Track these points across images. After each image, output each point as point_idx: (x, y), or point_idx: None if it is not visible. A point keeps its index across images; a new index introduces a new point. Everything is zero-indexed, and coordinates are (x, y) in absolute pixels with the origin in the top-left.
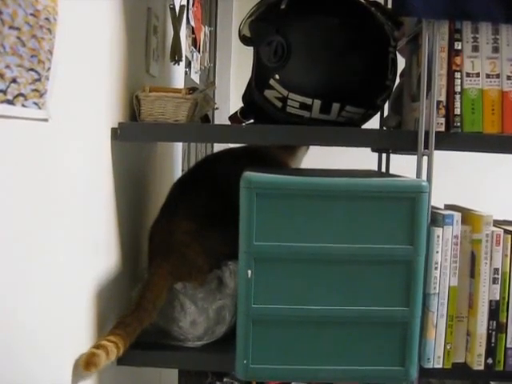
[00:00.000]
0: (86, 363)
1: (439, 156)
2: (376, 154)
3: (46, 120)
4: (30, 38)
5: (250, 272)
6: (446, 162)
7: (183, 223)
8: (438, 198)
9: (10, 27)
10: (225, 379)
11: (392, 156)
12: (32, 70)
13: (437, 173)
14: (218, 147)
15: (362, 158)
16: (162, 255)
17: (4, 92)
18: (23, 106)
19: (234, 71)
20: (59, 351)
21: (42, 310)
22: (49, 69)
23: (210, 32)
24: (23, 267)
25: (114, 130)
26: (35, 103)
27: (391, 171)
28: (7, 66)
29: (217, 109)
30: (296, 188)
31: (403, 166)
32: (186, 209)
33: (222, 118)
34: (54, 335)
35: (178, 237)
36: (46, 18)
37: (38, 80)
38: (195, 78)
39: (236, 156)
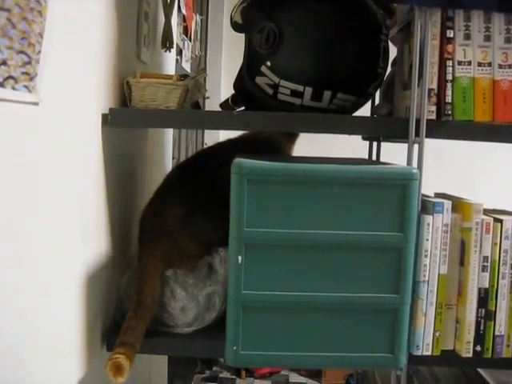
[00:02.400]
0: (115, 368)
1: (431, 145)
2: (367, 144)
3: (36, 104)
4: (20, 20)
5: (240, 258)
6: (437, 151)
7: (176, 208)
8: (429, 188)
9: (1, 9)
10: (214, 368)
11: (383, 145)
12: (22, 52)
13: (428, 162)
14: (209, 134)
15: (352, 148)
16: (153, 241)
17: None
18: (13, 88)
19: (225, 60)
20: (46, 338)
21: (29, 297)
22: (39, 52)
23: (201, 21)
24: (10, 252)
25: (104, 116)
26: (25, 86)
27: (382, 160)
28: None
29: (207, 98)
30: (287, 174)
31: (394, 155)
32: (180, 195)
33: (212, 106)
34: (42, 321)
35: (169, 222)
36: (37, 1)
37: (29, 63)
38: (186, 66)
39: (236, 145)
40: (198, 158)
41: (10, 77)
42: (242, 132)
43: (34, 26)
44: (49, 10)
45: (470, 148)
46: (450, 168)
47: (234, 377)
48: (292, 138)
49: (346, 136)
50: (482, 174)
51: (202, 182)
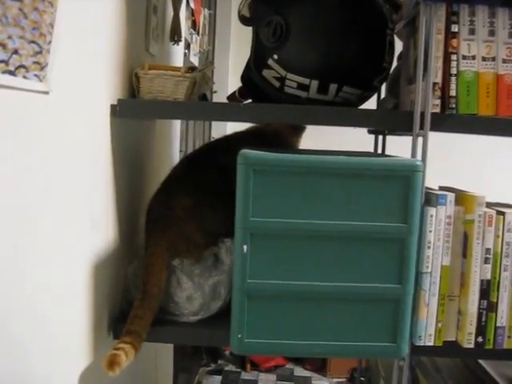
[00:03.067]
0: (109, 363)
1: (436, 140)
2: (372, 138)
3: (46, 93)
4: (31, 10)
5: (245, 247)
6: (442, 146)
7: (183, 199)
8: (434, 181)
9: None
10: (219, 361)
11: (388, 140)
12: (33, 42)
13: (433, 157)
14: (216, 127)
15: (358, 142)
16: (160, 231)
17: (6, 63)
18: (24, 77)
19: (233, 54)
20: (54, 326)
21: (37, 285)
22: (50, 42)
23: (209, 15)
24: (20, 240)
25: (113, 107)
26: (36, 75)
27: (387, 154)
28: (9, 37)
29: (215, 92)
30: (292, 165)
31: (399, 149)
32: (187, 186)
33: (219, 99)
34: (50, 309)
35: (176, 212)
36: None
37: (40, 53)
38: (194, 60)
39: (243, 138)
40: (206, 150)
41: (22, 66)
42: (249, 125)
43: (45, 16)
44: (60, 1)
45: (478, 143)
46: (457, 162)
47: (239, 370)
48: (299, 131)
49: (352, 130)
50: (491, 169)
51: (209, 174)
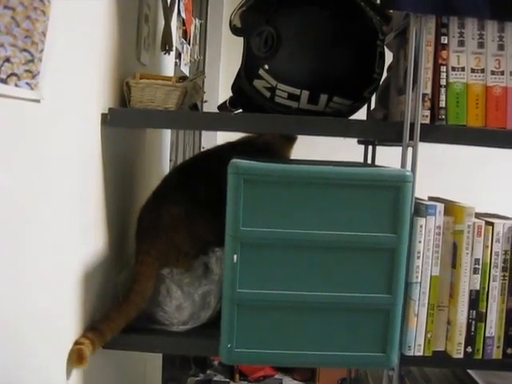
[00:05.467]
0: (78, 357)
1: (426, 151)
2: (362, 148)
3: (38, 101)
4: (24, 18)
5: (235, 257)
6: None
7: (173, 208)
8: (423, 192)
9: (5, 7)
10: (208, 371)
11: (378, 150)
12: (25, 50)
13: (423, 167)
14: (207, 137)
15: (348, 153)
16: (150, 239)
17: None
18: (16, 85)
19: (224, 64)
20: (43, 335)
21: (27, 294)
22: (42, 50)
23: (200, 25)
24: (9, 250)
25: (103, 116)
26: (28, 84)
27: (377, 164)
28: (1, 45)
29: (205, 101)
30: (282, 175)
31: (388, 159)
32: (178, 195)
33: (210, 109)
34: (39, 318)
35: (166, 221)
36: (40, 0)
37: (31, 61)
38: (185, 69)
39: (234, 148)
40: (197, 159)
41: (13, 74)
42: (239, 135)
43: (37, 24)
44: (52, 10)
45: (467, 154)
46: (446, 173)
47: (227, 380)
48: (290, 141)
49: (342, 140)
50: (480, 179)
51: (199, 183)
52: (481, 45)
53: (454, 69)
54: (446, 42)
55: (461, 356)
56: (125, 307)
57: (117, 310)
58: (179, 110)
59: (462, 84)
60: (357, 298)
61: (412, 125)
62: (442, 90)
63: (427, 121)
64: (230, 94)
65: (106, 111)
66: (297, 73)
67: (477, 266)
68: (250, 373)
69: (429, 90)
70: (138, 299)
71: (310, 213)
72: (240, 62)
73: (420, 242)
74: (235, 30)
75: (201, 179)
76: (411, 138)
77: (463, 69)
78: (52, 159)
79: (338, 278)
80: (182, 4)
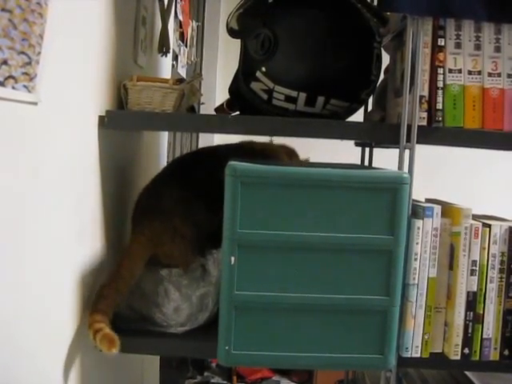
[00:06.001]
0: (109, 342)
1: (423, 153)
2: (359, 150)
3: (35, 104)
4: (21, 21)
5: (233, 259)
6: (429, 158)
7: (173, 192)
8: (420, 194)
9: (3, 9)
10: (205, 373)
11: (375, 152)
12: (23, 53)
13: (420, 169)
14: (203, 139)
15: (345, 154)
16: (147, 221)
17: None
18: (13, 88)
19: (221, 66)
20: (40, 336)
21: (25, 296)
22: (39, 53)
23: (197, 27)
24: (7, 249)
25: (101, 118)
26: (25, 86)
27: (374, 166)
28: None
29: (202, 103)
30: (280, 177)
31: (385, 161)
32: (179, 182)
33: (207, 111)
34: (36, 320)
35: (165, 202)
36: (38, 3)
37: (29, 64)
38: (182, 71)
39: (235, 149)
40: (198, 153)
41: (11, 76)
42: (236, 137)
43: (34, 27)
44: (49, 12)
45: (464, 156)
46: (444, 175)
47: (225, 382)
48: (291, 157)
49: (340, 143)
50: (477, 181)
51: (199, 174)
52: (478, 47)
53: (450, 71)
54: (442, 44)
55: (458, 357)
56: (114, 283)
57: (108, 287)
58: (176, 112)
59: (459, 86)
60: (354, 299)
61: (409, 127)
62: (439, 92)
63: (424, 123)
64: (228, 96)
65: (104, 113)
66: (294, 75)
67: (474, 267)
68: (248, 375)
69: (426, 92)
70: (127, 275)
71: (308, 215)
72: (237, 64)
73: (417, 243)
74: (232, 33)
75: (200, 171)
76: (408, 140)
77: (460, 71)
78: (49, 161)
79: (336, 279)
80: (178, 6)
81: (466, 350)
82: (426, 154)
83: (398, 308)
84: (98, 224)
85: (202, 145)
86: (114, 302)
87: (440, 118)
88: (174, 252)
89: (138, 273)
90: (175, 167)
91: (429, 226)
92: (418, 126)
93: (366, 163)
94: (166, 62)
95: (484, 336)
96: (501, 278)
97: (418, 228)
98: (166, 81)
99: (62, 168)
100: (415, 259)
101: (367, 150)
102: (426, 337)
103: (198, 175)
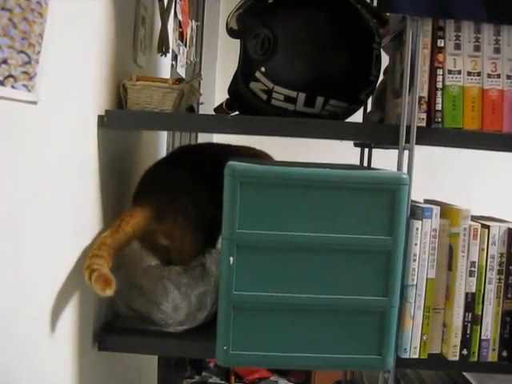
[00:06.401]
0: (104, 282)
1: (422, 153)
2: (358, 151)
3: (34, 103)
4: (21, 20)
5: (232, 259)
6: (428, 159)
7: (180, 172)
8: (419, 195)
9: (3, 8)
10: (203, 373)
11: (374, 152)
12: (22, 52)
13: (419, 170)
14: (203, 139)
15: (344, 155)
16: (152, 194)
17: None
18: (13, 87)
19: (220, 66)
20: (39, 337)
21: (22, 295)
22: (39, 52)
23: (196, 27)
24: (7, 248)
25: (100, 118)
26: (25, 85)
27: (373, 167)
28: None
29: (201, 103)
30: (279, 177)
31: (384, 162)
32: (186, 165)
33: (206, 111)
34: (34, 320)
35: (173, 179)
36: (38, 2)
37: (28, 63)
38: (181, 71)
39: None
40: (203, 145)
41: (10, 75)
42: (235, 138)
43: (34, 26)
44: (49, 12)
45: (463, 157)
46: (442, 176)
47: (223, 382)
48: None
49: (339, 143)
50: (477, 184)
51: (202, 164)
52: (477, 48)
53: (450, 72)
54: (442, 45)
55: (456, 358)
56: (117, 235)
57: (110, 236)
58: (176, 112)
59: (458, 87)
60: (353, 300)
61: (408, 128)
62: (439, 93)
63: (423, 124)
64: (227, 96)
65: (103, 113)
66: (293, 75)
67: (473, 268)
68: (246, 375)
69: (425, 93)
70: (129, 230)
71: (307, 215)
72: (236, 65)
73: (416, 244)
74: (232, 33)
75: (203, 161)
76: (407, 140)
77: (459, 72)
78: (49, 161)
79: (334, 280)
80: (178, 6)
81: (465, 351)
82: (425, 155)
83: (396, 309)
84: (97, 223)
85: None
86: (115, 252)
87: (439, 119)
88: (174, 232)
89: (139, 234)
90: (179, 153)
91: (428, 226)
92: (417, 127)
93: (365, 164)
94: (166, 62)
95: (482, 337)
96: (499, 279)
97: (417, 229)
98: (165, 80)
99: (61, 167)
100: (414, 260)
101: (366, 150)
102: (424, 337)
103: (200, 164)
